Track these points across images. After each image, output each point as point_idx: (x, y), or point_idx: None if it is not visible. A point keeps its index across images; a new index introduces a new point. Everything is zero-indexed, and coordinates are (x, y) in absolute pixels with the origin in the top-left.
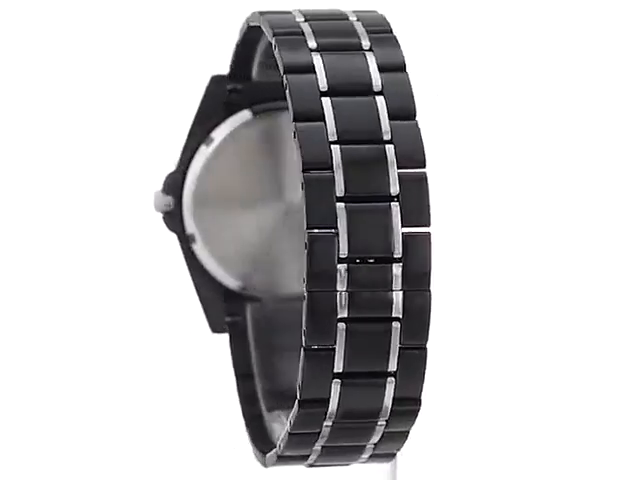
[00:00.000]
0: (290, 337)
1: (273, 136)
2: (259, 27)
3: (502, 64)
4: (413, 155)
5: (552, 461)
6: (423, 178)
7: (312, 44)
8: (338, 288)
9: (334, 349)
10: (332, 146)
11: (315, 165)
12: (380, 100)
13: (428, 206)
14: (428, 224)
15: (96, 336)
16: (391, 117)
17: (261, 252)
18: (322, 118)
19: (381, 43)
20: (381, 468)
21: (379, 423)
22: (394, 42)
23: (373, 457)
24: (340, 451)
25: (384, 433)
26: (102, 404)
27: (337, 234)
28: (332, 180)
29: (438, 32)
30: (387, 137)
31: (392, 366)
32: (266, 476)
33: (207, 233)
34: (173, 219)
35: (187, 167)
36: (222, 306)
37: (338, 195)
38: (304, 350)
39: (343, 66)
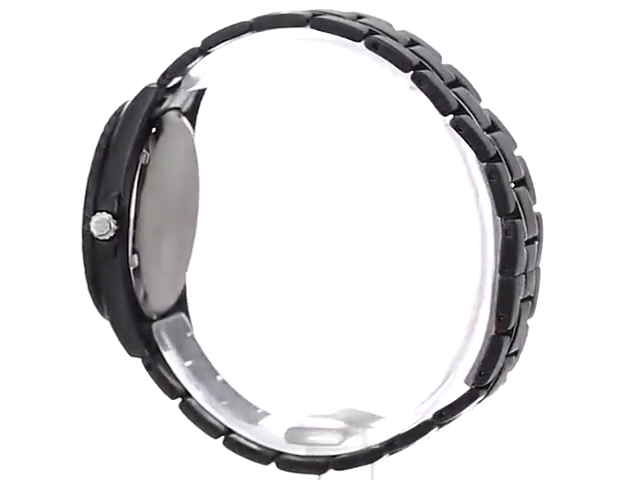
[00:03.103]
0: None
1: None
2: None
3: (501, 64)
4: (513, 139)
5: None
6: (524, 160)
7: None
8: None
9: (513, 332)
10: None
11: (487, 157)
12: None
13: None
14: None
15: None
16: None
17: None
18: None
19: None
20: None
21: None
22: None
23: None
24: None
25: None
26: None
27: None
28: (507, 169)
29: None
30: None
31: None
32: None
33: (147, 254)
34: (119, 243)
35: (131, 185)
36: (136, 329)
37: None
38: (496, 336)
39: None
